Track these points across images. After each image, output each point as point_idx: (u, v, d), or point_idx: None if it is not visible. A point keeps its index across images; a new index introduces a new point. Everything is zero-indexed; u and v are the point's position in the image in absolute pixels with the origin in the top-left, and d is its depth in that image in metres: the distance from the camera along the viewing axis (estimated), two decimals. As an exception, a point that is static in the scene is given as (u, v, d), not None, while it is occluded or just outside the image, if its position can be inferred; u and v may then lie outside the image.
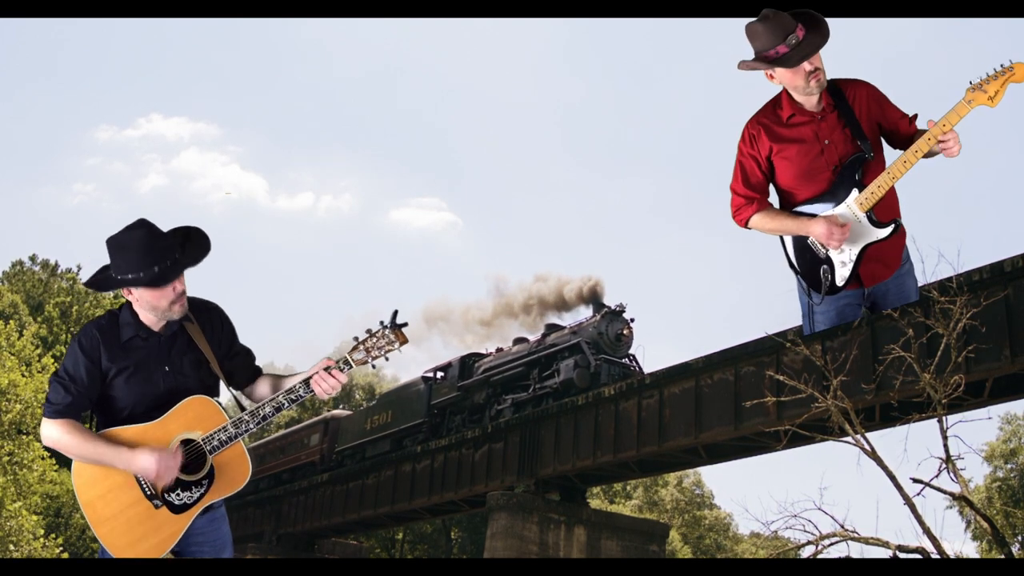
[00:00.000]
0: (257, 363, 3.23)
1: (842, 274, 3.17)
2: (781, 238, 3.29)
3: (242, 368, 3.16)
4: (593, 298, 26.02)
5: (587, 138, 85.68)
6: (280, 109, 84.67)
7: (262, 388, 3.16)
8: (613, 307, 23.59)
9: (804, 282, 3.28)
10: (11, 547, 18.94)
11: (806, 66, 2.96)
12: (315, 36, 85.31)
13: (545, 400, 22.18)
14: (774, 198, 3.29)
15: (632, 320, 23.31)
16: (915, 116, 3.09)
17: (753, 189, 3.21)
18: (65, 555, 21.19)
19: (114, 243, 2.87)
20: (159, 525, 2.94)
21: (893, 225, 3.09)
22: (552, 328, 24.73)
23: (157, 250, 2.85)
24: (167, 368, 3.00)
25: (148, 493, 2.93)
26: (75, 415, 2.93)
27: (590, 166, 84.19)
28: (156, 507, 2.93)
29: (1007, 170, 77.58)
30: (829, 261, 3.18)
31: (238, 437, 2.96)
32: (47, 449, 22.09)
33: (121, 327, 2.98)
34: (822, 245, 3.17)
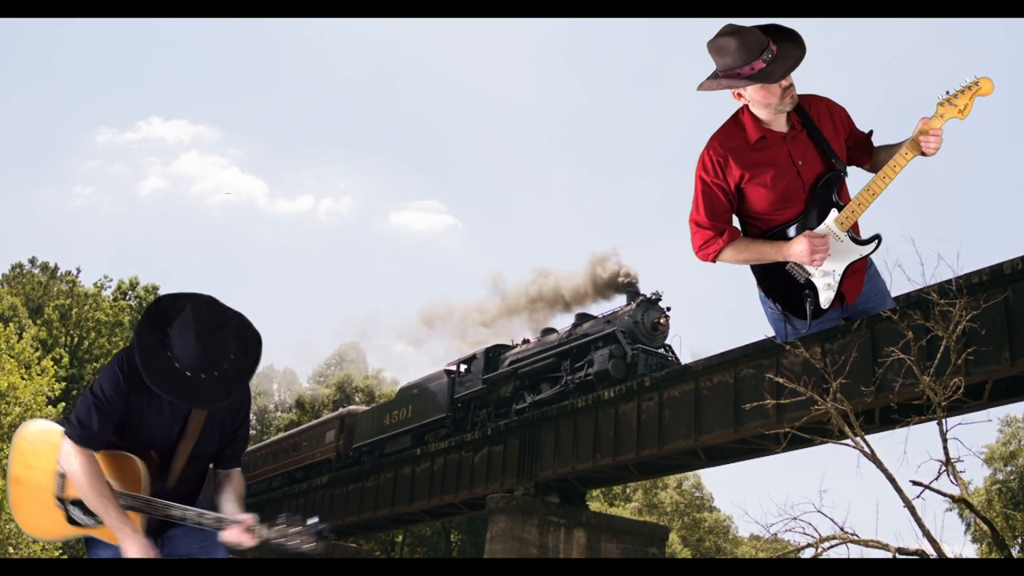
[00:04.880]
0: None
1: (827, 296, 3.03)
2: (753, 269, 3.12)
3: (230, 455, 3.18)
4: (627, 286, 25.35)
5: (588, 140, 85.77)
6: (280, 112, 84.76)
7: (219, 481, 3.19)
8: (649, 295, 22.80)
9: (782, 312, 3.13)
10: (10, 549, 18.93)
11: (782, 82, 2.81)
12: (315, 37, 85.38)
13: (576, 392, 21.56)
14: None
15: (668, 309, 22.53)
16: (871, 132, 3.06)
17: (719, 219, 3.00)
18: (64, 557, 21.15)
19: (175, 320, 2.80)
20: (51, 519, 3.04)
21: (877, 240, 3.02)
22: (583, 318, 23.90)
23: (208, 355, 2.77)
24: (176, 428, 3.01)
25: (57, 494, 3.01)
26: (99, 447, 2.91)
27: (591, 168, 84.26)
28: (57, 506, 3.02)
29: (1006, 172, 77.64)
30: (811, 285, 3.04)
31: (144, 512, 2.98)
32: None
33: None
34: (800, 268, 3.04)
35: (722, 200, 3.00)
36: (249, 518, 2.96)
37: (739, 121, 2.97)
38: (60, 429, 3.03)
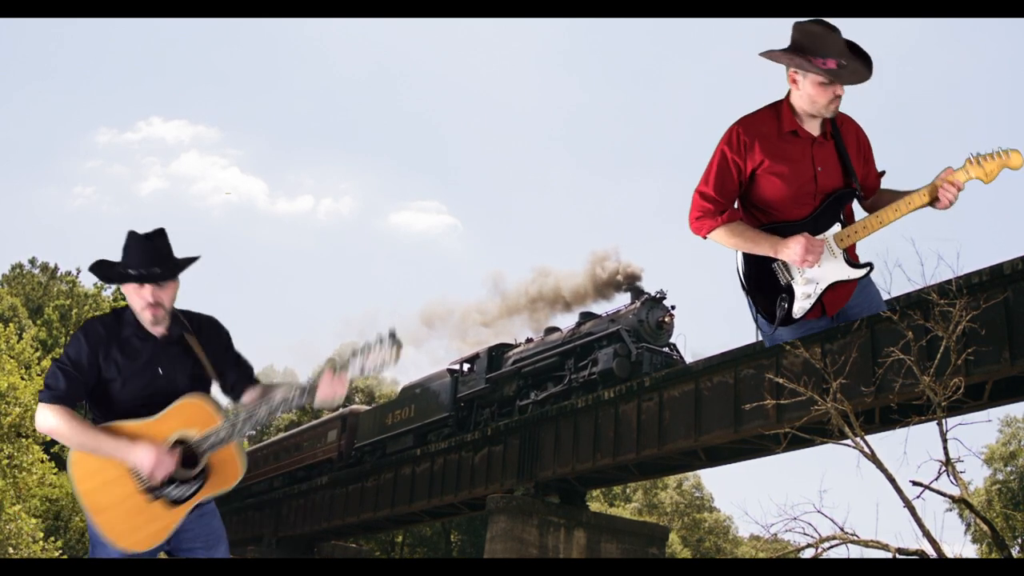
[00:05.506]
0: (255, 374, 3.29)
1: (802, 306, 3.03)
2: (737, 256, 3.11)
3: (241, 378, 3.22)
4: (631, 285, 25.22)
5: (589, 140, 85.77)
6: (280, 112, 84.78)
7: (252, 396, 3.20)
8: (653, 294, 22.64)
9: (758, 308, 3.12)
10: (10, 550, 18.94)
11: (837, 89, 2.89)
12: (315, 37, 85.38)
13: (581, 391, 21.46)
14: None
15: (673, 307, 22.39)
16: (883, 172, 3.11)
17: (724, 196, 3.01)
18: (64, 558, 21.16)
19: (127, 240, 3.01)
20: (154, 517, 3.00)
21: (868, 267, 3.04)
22: (587, 316, 23.74)
23: (145, 252, 2.98)
24: (160, 370, 3.06)
25: (144, 489, 2.97)
26: (71, 402, 2.97)
27: (591, 168, 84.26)
28: (150, 500, 2.98)
29: (1006, 172, 77.51)
30: (790, 291, 3.04)
31: (231, 439, 3.00)
32: (47, 452, 22.04)
33: (123, 324, 3.06)
34: (787, 270, 3.03)
35: (734, 179, 3.01)
36: (326, 369, 2.97)
37: (777, 110, 3.02)
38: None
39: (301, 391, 2.97)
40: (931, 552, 9.70)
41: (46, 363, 21.55)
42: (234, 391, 3.20)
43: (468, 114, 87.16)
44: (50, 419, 2.94)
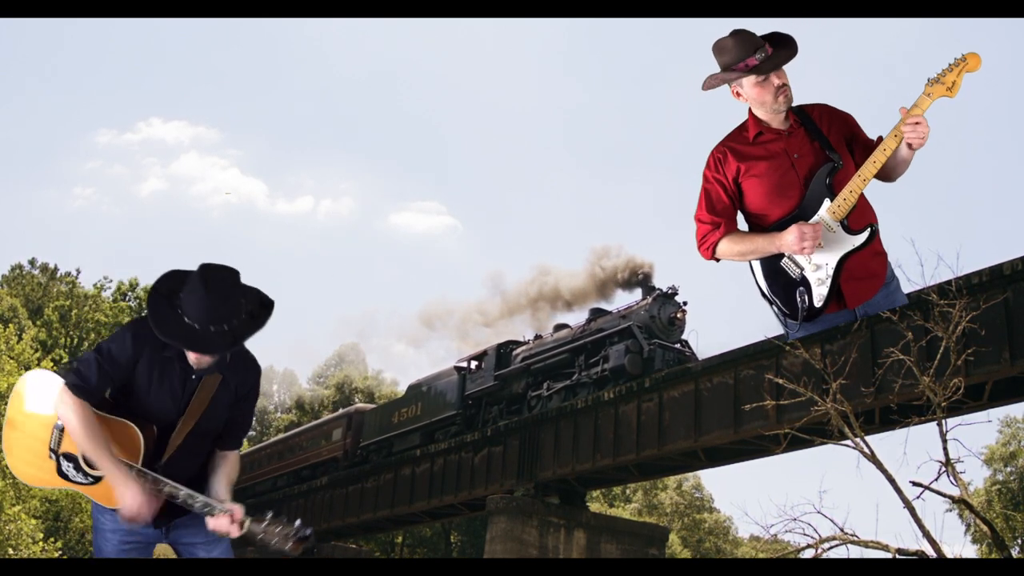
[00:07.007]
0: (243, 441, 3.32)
1: (820, 292, 3.03)
2: (751, 267, 3.15)
3: (227, 440, 3.18)
4: (641, 281, 25.05)
5: (589, 141, 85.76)
6: (280, 112, 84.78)
7: (216, 462, 3.17)
8: (665, 290, 22.38)
9: (780, 311, 3.14)
10: (10, 550, 18.94)
11: (775, 80, 2.98)
12: (315, 38, 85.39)
13: (590, 388, 21.30)
14: (742, 225, 3.17)
15: (685, 304, 22.14)
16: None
17: (718, 214, 3.10)
18: (64, 558, 21.15)
19: (186, 283, 2.89)
20: (42, 466, 3.06)
21: (869, 230, 3.01)
22: (597, 312, 23.43)
23: (216, 309, 2.84)
24: (182, 404, 3.03)
25: (52, 446, 3.03)
26: (96, 397, 2.96)
27: (592, 169, 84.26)
28: (50, 457, 3.04)
29: (1006, 172, 77.66)
30: (805, 282, 3.05)
31: (167, 494, 2.98)
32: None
33: (168, 345, 2.99)
34: (795, 263, 3.05)
35: (722, 196, 3.12)
36: (238, 510, 2.96)
37: (743, 124, 3.15)
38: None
39: (202, 503, 2.95)
40: (931, 552, 9.70)
41: (46, 363, 21.56)
42: (215, 443, 3.17)
43: (468, 114, 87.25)
44: (68, 410, 2.92)
